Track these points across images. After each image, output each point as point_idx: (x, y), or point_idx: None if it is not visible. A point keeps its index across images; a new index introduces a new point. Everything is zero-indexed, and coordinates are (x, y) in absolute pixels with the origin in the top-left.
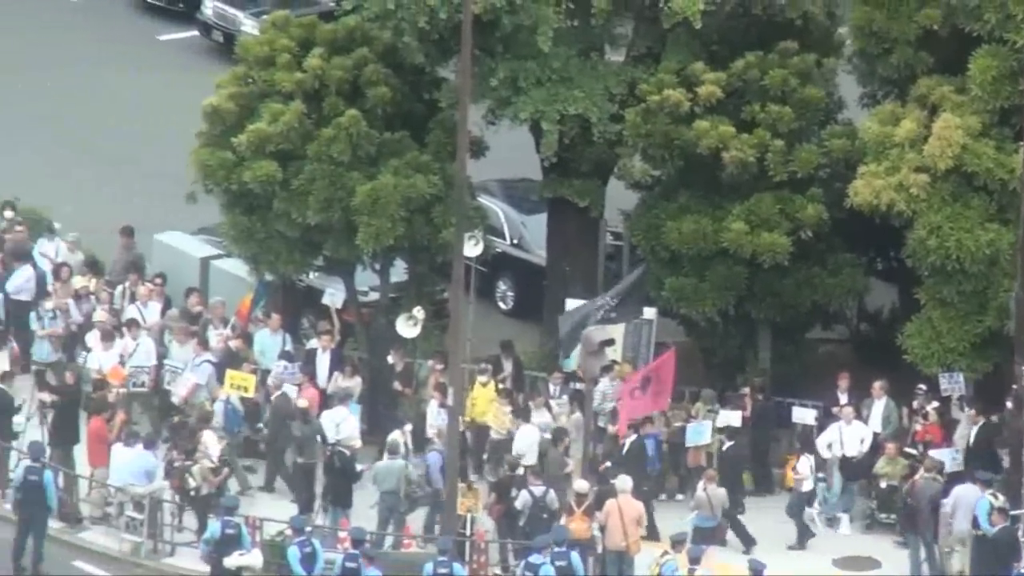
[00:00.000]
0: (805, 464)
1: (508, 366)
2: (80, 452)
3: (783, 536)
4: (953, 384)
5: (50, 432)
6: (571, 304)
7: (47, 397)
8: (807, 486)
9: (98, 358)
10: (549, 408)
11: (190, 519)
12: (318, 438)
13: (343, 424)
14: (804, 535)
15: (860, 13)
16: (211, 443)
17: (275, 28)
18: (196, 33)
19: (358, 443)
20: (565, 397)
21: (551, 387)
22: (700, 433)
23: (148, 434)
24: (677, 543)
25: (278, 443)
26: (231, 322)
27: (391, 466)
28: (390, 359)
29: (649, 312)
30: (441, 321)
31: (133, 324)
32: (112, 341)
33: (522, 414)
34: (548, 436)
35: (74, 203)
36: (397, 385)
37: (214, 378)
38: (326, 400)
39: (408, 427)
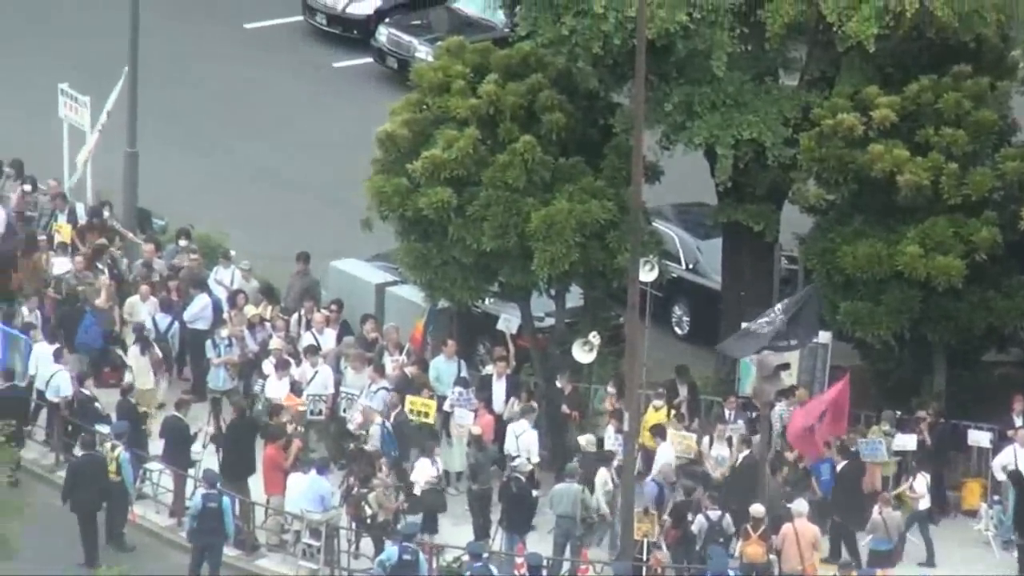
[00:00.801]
0: (922, 483)
1: (683, 391)
2: (255, 480)
3: (962, 558)
4: None
5: (225, 460)
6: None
7: (221, 425)
8: (924, 504)
9: (274, 386)
10: (730, 443)
11: (367, 545)
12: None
13: (523, 436)
14: (901, 549)
15: None
16: (424, 469)
17: (449, 54)
18: (371, 60)
19: (536, 458)
20: (740, 422)
21: (726, 412)
22: (875, 450)
23: (321, 459)
24: (843, 567)
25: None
26: (406, 348)
27: (567, 489)
28: (558, 383)
29: (824, 336)
30: (617, 346)
31: (310, 351)
32: (287, 369)
33: (659, 432)
34: (720, 472)
35: (249, 230)
36: (565, 408)
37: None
38: (502, 426)
39: (616, 463)
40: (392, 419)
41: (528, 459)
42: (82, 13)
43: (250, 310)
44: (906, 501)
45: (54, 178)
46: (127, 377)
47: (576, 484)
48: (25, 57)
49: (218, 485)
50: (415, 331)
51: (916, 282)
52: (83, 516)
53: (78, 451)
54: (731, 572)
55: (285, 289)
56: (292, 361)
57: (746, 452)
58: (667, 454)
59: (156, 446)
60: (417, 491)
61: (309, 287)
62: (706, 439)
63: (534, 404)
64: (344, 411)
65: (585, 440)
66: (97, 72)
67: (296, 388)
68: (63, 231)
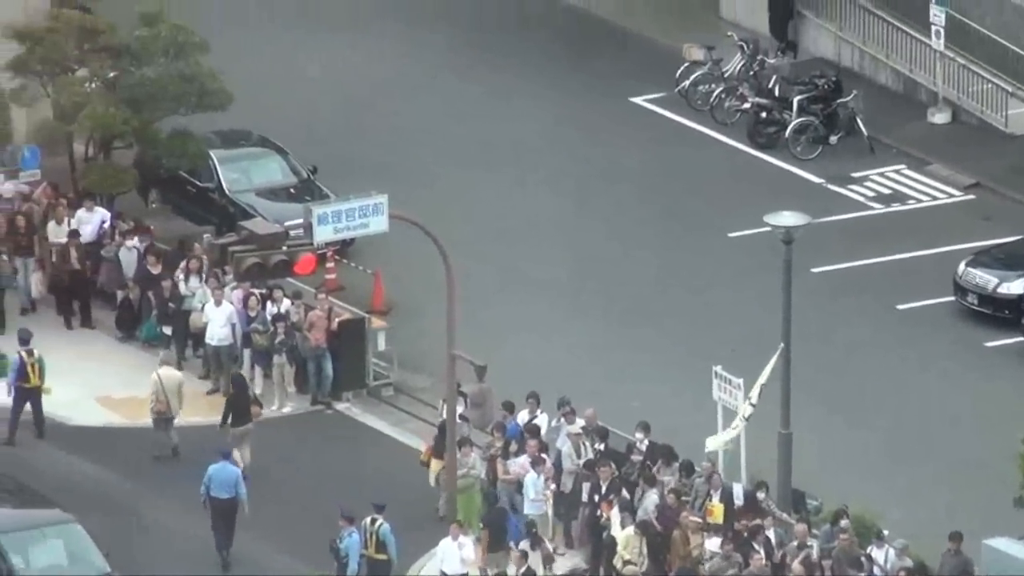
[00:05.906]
0: None
1: None
2: None
3: None
4: None
5: None
6: None
7: None
8: None
9: None
10: None
11: None
12: None
13: None
14: None
15: None
16: None
17: None
18: (1022, 339)
19: None
20: None
21: None
22: None
23: None
24: None
25: None
26: None
27: None
28: None
29: None
30: None
31: None
32: None
33: None
34: None
35: (903, 507)
36: None
37: None
38: None
39: None
40: None
41: None
42: (735, 294)
43: None
44: None
45: (709, 460)
46: None
47: None
48: (682, 340)
49: None
50: None
51: None
52: None
53: None
54: None
55: (938, 567)
56: None
57: None
58: None
59: None
60: None
61: (962, 565)
62: None
63: None
64: None
65: None
66: (749, 353)
67: None
68: (715, 512)
